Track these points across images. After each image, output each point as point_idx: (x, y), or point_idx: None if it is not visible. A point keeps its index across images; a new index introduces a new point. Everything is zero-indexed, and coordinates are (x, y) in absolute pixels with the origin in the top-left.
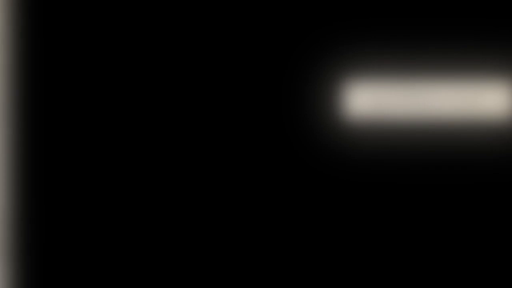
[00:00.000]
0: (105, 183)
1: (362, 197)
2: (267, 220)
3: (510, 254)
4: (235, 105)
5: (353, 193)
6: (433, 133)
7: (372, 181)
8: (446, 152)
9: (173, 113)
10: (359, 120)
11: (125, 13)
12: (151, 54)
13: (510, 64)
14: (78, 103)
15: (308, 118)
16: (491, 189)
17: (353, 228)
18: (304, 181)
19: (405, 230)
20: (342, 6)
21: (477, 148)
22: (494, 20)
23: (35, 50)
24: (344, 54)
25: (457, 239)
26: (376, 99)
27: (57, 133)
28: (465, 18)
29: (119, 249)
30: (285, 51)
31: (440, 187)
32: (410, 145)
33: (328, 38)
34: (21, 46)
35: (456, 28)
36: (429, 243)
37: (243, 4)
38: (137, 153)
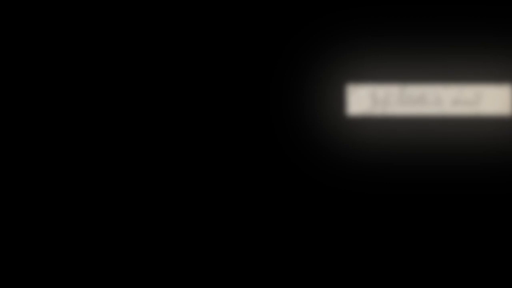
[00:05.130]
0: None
1: (362, 198)
2: (264, 221)
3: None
4: (232, 106)
5: (353, 194)
6: (433, 133)
7: (372, 181)
8: (446, 152)
9: (171, 115)
10: (358, 120)
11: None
12: (146, 54)
13: (510, 64)
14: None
15: (307, 118)
16: (492, 189)
17: (351, 231)
18: (302, 182)
19: (405, 231)
20: (342, 5)
21: (478, 149)
22: (495, 19)
23: None
24: (344, 54)
25: (460, 240)
26: (375, 99)
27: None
28: (465, 17)
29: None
30: (284, 50)
31: (440, 186)
32: (410, 145)
33: (328, 38)
34: None
35: (456, 28)
36: (433, 243)
37: (242, 4)
38: (126, 151)
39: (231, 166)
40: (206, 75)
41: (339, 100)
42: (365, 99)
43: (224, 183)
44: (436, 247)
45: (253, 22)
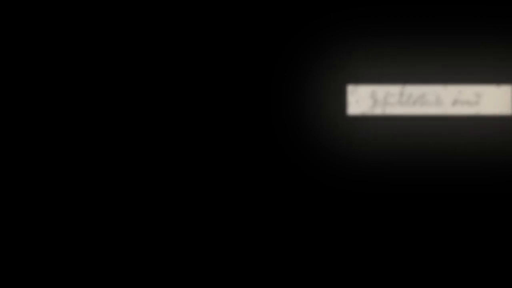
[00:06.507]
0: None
1: (362, 198)
2: (264, 221)
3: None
4: (232, 106)
5: (353, 194)
6: (433, 133)
7: (372, 181)
8: (446, 152)
9: (171, 114)
10: (358, 120)
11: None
12: (146, 54)
13: (510, 64)
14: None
15: (307, 119)
16: (492, 189)
17: (351, 231)
18: (302, 182)
19: (405, 231)
20: (342, 5)
21: (478, 149)
22: (495, 19)
23: None
24: (344, 54)
25: (460, 240)
26: (376, 100)
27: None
28: (465, 17)
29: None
30: (284, 50)
31: (440, 186)
32: (410, 145)
33: (328, 38)
34: None
35: (456, 28)
36: (433, 243)
37: (242, 4)
38: (119, 151)
39: (231, 166)
40: (207, 75)
41: (339, 100)
42: (365, 99)
43: (224, 182)
44: (436, 247)
45: (253, 22)
